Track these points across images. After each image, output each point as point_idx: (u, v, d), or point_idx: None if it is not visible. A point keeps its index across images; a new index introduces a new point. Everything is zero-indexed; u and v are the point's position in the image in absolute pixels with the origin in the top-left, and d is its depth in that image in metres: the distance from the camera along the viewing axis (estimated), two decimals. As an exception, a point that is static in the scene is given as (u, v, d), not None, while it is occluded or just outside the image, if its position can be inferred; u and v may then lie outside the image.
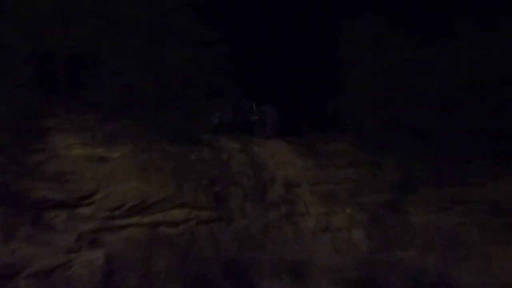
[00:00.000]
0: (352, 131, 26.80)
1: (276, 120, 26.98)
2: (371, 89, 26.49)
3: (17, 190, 20.44)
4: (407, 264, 24.15)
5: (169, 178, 22.23)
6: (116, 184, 21.46)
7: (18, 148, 21.08)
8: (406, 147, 26.01)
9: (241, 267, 22.14)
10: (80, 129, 22.19)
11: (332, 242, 24.12)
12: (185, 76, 24.20)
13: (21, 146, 21.15)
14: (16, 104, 21.23)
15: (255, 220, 23.62)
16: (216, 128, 25.86)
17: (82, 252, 20.49)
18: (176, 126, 23.50)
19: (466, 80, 26.79)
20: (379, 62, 26.72)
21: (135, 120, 23.01)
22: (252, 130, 27.13)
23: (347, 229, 24.49)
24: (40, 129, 21.81)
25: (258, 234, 23.37)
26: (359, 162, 25.77)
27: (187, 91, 24.31)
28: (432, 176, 25.69)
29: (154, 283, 20.80)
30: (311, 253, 23.64)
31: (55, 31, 23.41)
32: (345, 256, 23.90)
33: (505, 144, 26.04)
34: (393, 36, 26.95)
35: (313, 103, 27.93)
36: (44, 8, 23.66)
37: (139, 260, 21.00)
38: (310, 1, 31.18)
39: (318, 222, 24.35)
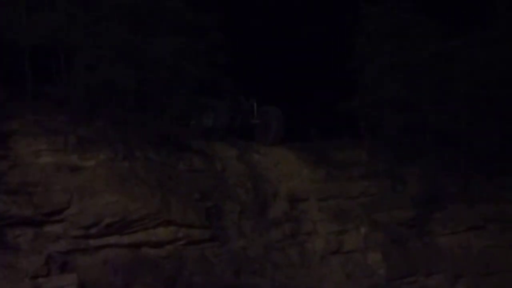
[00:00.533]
0: (369, 136, 27.05)
1: (281, 124, 27.03)
2: (390, 87, 26.63)
3: (-25, 203, 20.70)
4: (432, 292, 24.75)
5: (154, 191, 22.35)
6: (91, 198, 21.56)
7: None
8: (432, 155, 26.30)
9: (238, 296, 22.48)
10: (49, 133, 22.19)
11: (344, 267, 24.47)
12: (172, 70, 24.38)
13: None
14: None
15: (254, 240, 23.85)
16: (210, 132, 26.02)
17: (52, 277, 20.56)
18: (161, 129, 23.69)
19: (502, 78, 27.05)
20: (400, 56, 26.93)
21: (114, 123, 23.20)
22: (253, 135, 27.25)
23: (362, 252, 24.83)
24: (2, 133, 21.85)
25: (258, 257, 23.61)
26: (377, 173, 26.07)
27: (174, 88, 24.53)
28: (462, 190, 26.05)
29: (135, 314, 21.23)
30: (320, 279, 23.98)
31: (20, 17, 23.44)
32: (360, 283, 24.25)
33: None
34: (417, 25, 27.26)
35: (323, 104, 28.05)
36: (8, -10, 23.93)
37: (118, 286, 21.16)
38: (320, -18, 31.34)
39: (328, 243, 24.66)
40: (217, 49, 25.39)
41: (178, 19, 25.20)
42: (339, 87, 27.15)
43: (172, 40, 24.51)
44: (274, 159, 25.79)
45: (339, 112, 26.34)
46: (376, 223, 25.27)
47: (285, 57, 30.49)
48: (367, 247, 24.90)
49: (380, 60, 27.08)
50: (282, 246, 24.15)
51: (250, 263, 23.40)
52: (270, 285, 23.12)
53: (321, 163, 26.03)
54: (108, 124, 23.13)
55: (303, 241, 24.56)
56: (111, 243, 21.73)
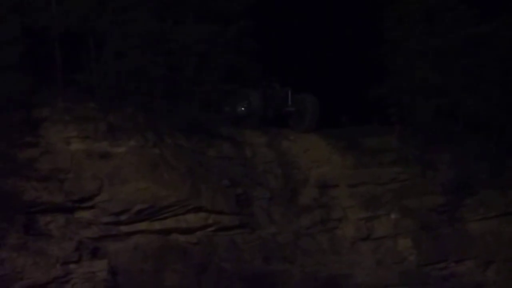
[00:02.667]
0: (400, 122, 26.97)
1: (316, 112, 26.99)
2: (422, 73, 26.61)
3: (7, 190, 20.99)
4: (463, 278, 24.84)
5: (184, 177, 22.65)
6: (121, 184, 21.93)
7: (8, 142, 21.57)
8: (464, 141, 26.34)
9: (268, 283, 22.74)
10: (80, 120, 22.50)
11: (375, 253, 24.72)
12: (201, 58, 24.63)
13: (11, 140, 21.62)
14: (4, 89, 21.64)
15: (284, 227, 24.13)
16: (243, 120, 26.18)
17: (83, 263, 21.00)
18: (191, 116, 23.97)
19: (536, 62, 27.09)
20: (430, 40, 26.79)
21: (143, 110, 23.50)
22: (287, 123, 27.30)
23: (392, 238, 25.04)
24: (33, 120, 22.20)
25: (288, 243, 23.88)
26: (407, 160, 26.09)
27: (203, 75, 24.77)
28: (494, 176, 26.02)
29: (165, 300, 21.58)
30: (350, 266, 24.22)
31: (50, 5, 23.59)
32: (390, 269, 24.49)
33: None
34: (448, 8, 27.05)
35: (354, 90, 27.90)
36: (37, -21, 24.20)
37: (148, 272, 21.65)
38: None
39: (358, 230, 24.91)
40: (246, 36, 25.57)
41: (207, 5, 25.39)
42: (369, 73, 27.19)
43: (201, 27, 24.73)
44: (304, 145, 25.94)
45: (370, 98, 26.32)
46: (406, 209, 25.39)
47: (316, 44, 30.46)
48: (398, 233, 25.08)
49: (410, 45, 26.97)
50: (312, 233, 24.41)
51: (280, 249, 23.68)
52: (300, 272, 23.36)
53: (351, 150, 26.17)
54: (138, 111, 23.41)
55: (333, 227, 24.81)
56: (141, 230, 22.14)
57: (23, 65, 21.91)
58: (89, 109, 22.97)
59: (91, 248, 21.34)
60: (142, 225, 22.18)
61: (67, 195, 21.56)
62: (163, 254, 22.00)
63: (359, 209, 25.17)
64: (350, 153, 26.07)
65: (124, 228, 22.00)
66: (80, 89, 23.32)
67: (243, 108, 26.38)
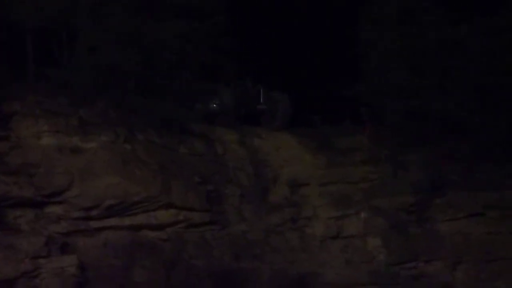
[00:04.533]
0: (372, 122, 27.26)
1: (288, 110, 27.42)
2: (394, 74, 26.84)
3: (-24, 185, 21.03)
4: (432, 279, 24.87)
5: (155, 173, 22.69)
6: (92, 180, 21.87)
7: None
8: (435, 142, 26.51)
9: (237, 280, 22.71)
10: (51, 115, 22.49)
11: (344, 252, 24.77)
12: (175, 54, 24.73)
13: None
14: None
15: (255, 224, 24.23)
16: (213, 116, 26.36)
17: (52, 258, 20.90)
18: (163, 112, 24.02)
19: (508, 65, 27.16)
20: (404, 42, 27.04)
21: (116, 105, 23.54)
22: (259, 121, 27.55)
23: (362, 237, 25.14)
24: (3, 114, 22.15)
25: (258, 241, 23.98)
26: (378, 159, 26.35)
27: (177, 72, 24.92)
28: (464, 177, 26.26)
29: (134, 297, 21.57)
30: (319, 264, 24.25)
31: None
32: (359, 269, 24.53)
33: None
34: (422, 11, 27.38)
35: (327, 90, 28.15)
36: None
37: (117, 269, 21.56)
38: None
39: (328, 228, 25.00)
40: (222, 33, 25.66)
41: (182, 2, 25.50)
42: (343, 73, 27.43)
43: (176, 24, 24.84)
44: (276, 144, 26.13)
45: (343, 98, 26.57)
46: (376, 209, 25.54)
47: (290, 43, 30.71)
48: (367, 233, 25.22)
49: (385, 46, 27.23)
50: (282, 231, 24.53)
51: (250, 247, 23.76)
52: (270, 269, 23.40)
53: (323, 149, 26.35)
54: (110, 106, 23.45)
55: (303, 225, 24.93)
56: (111, 225, 22.11)
57: None
58: (60, 104, 22.95)
59: (61, 243, 21.28)
60: (112, 221, 22.15)
61: (37, 190, 21.49)
62: (133, 250, 21.96)
63: (329, 208, 25.30)
64: (321, 152, 26.27)
65: (94, 224, 21.95)
66: (52, 84, 23.34)
67: (215, 106, 26.62)
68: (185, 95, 25.14)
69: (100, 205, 21.93)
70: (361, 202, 25.61)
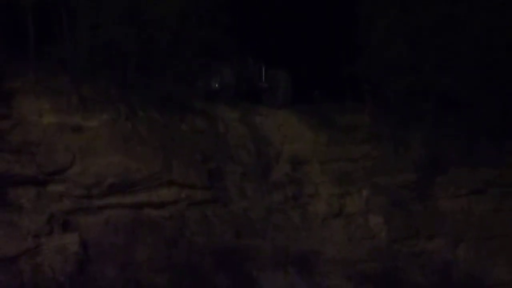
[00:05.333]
0: (372, 100, 27.39)
1: (289, 88, 27.50)
2: (395, 51, 26.87)
3: (-24, 163, 21.12)
4: (433, 256, 25.23)
5: (156, 151, 22.80)
6: (93, 158, 21.95)
7: None
8: (435, 119, 26.72)
9: (239, 257, 22.91)
10: (52, 92, 22.46)
11: (346, 229, 25.03)
12: (174, 31, 24.68)
13: None
14: None
15: (256, 202, 24.38)
16: (214, 94, 26.35)
17: (54, 236, 21.02)
18: (164, 90, 24.05)
19: (508, 42, 27.23)
20: (404, 19, 27.06)
21: (116, 83, 23.53)
22: (260, 98, 27.62)
23: (363, 214, 25.41)
24: (4, 92, 22.09)
25: (259, 219, 24.16)
26: (379, 137, 26.48)
27: (177, 49, 24.82)
28: (465, 154, 26.40)
29: (136, 274, 21.55)
30: (321, 241, 24.48)
31: None
32: (360, 246, 24.81)
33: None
34: None
35: (328, 66, 28.19)
36: None
37: (119, 246, 21.67)
38: None
39: (330, 206, 25.21)
40: (221, 10, 25.53)
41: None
42: (343, 49, 27.44)
43: (175, 1, 24.69)
44: (277, 121, 26.22)
45: (343, 75, 26.62)
46: (378, 186, 25.78)
47: (290, 19, 30.55)
48: (369, 210, 25.46)
49: (385, 23, 27.22)
50: (284, 208, 24.71)
51: (252, 224, 23.96)
52: (271, 247, 23.58)
53: (324, 126, 26.45)
54: (111, 84, 23.44)
55: (305, 203, 25.12)
56: (113, 203, 22.21)
57: None
58: (61, 82, 22.85)
59: (63, 221, 21.39)
60: (114, 199, 22.23)
61: (39, 168, 21.55)
62: (135, 228, 22.09)
63: (331, 185, 25.48)
64: (322, 130, 26.35)
65: (96, 202, 22.03)
66: (53, 62, 23.21)
67: (216, 83, 26.58)
68: (186, 73, 25.02)
69: (102, 183, 21.98)
70: (363, 180, 25.82)
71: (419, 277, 24.67)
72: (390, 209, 25.46)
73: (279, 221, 24.38)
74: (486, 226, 25.77)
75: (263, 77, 27.66)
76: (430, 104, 26.88)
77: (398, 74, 26.83)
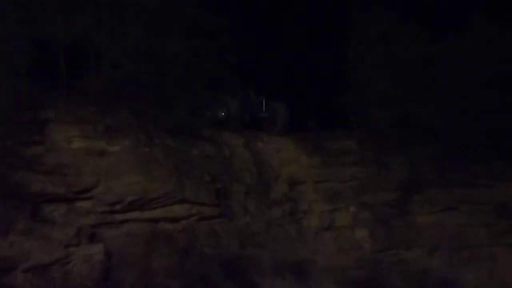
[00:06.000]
0: (360, 128, 27.56)
1: (287, 118, 27.66)
2: (380, 86, 27.16)
3: (16, 182, 21.43)
4: (411, 264, 25.44)
5: (170, 173, 23.17)
6: (116, 178, 22.41)
7: (17, 140, 22.03)
8: (415, 145, 26.81)
9: (243, 266, 23.26)
10: (80, 121, 22.99)
11: (335, 241, 25.31)
12: (187, 68, 25.03)
13: (20, 138, 22.07)
14: (14, 94, 22.06)
15: (258, 217, 24.72)
16: (221, 123, 26.60)
17: (81, 246, 21.50)
18: (177, 119, 24.40)
19: (479, 77, 27.73)
20: (388, 58, 27.42)
21: (135, 113, 23.97)
22: (261, 127, 27.77)
23: (351, 228, 25.66)
24: (39, 121, 22.63)
25: (260, 232, 24.49)
26: (365, 161, 26.69)
27: (189, 83, 25.15)
28: (440, 176, 26.61)
29: (153, 280, 21.94)
30: (314, 251, 24.80)
31: (55, 19, 24.16)
32: (348, 255, 25.06)
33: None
34: (404, 30, 27.71)
35: (321, 99, 28.45)
36: (45, -5, 24.41)
37: (138, 256, 22.10)
38: (319, -6, 31.79)
39: (322, 221, 25.52)
40: (227, 50, 25.89)
41: (193, 22, 25.79)
42: (334, 85, 27.70)
43: (187, 41, 25.15)
44: (276, 147, 26.48)
45: (334, 107, 26.89)
46: (363, 204, 26.03)
47: (288, 59, 31.05)
48: (355, 224, 25.70)
49: (370, 61, 27.53)
50: (282, 223, 24.98)
51: (254, 237, 24.28)
52: (271, 257, 23.86)
53: (317, 151, 26.69)
54: (131, 114, 23.90)
55: (300, 218, 25.40)
56: (133, 218, 22.66)
57: (31, 72, 22.22)
58: (88, 112, 23.37)
59: (89, 233, 21.84)
60: (134, 214, 22.62)
61: (69, 187, 21.98)
62: (152, 239, 22.45)
63: (323, 202, 25.74)
64: (316, 154, 26.59)
65: (118, 217, 22.44)
66: (81, 94, 23.73)
67: (223, 113, 26.95)
68: (195, 104, 25.29)
69: (123, 201, 22.42)
70: (351, 198, 26.04)
71: (399, 283, 24.84)
72: (374, 224, 25.67)
73: (277, 233, 24.63)
74: (458, 238, 25.94)
75: (264, 108, 27.90)
76: (410, 132, 26.89)
77: (383, 106, 26.94)
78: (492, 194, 26.74)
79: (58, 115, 22.99)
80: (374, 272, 24.78)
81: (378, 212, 25.97)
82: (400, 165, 26.72)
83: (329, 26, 29.99)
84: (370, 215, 25.85)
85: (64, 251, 21.27)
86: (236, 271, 23.03)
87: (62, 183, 21.98)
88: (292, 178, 25.88)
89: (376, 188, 26.33)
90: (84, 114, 23.33)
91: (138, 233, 22.51)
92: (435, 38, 27.64)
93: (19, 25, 23.07)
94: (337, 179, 26.41)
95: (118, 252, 21.93)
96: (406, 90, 27.26)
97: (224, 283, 22.75)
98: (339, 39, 27.76)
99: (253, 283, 23.27)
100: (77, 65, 24.56)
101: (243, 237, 24.02)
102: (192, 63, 25.18)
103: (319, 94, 28.99)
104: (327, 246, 25.09)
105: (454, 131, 27.18)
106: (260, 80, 28.13)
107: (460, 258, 25.86)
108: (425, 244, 25.89)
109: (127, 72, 24.07)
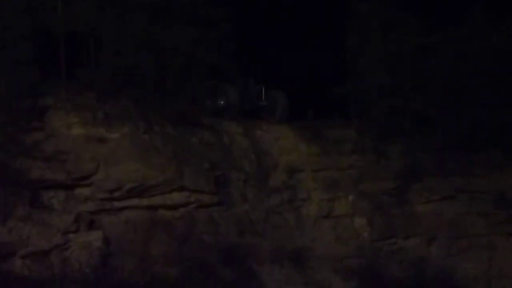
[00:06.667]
0: (358, 117, 27.32)
1: (286, 106, 27.45)
2: (378, 75, 26.95)
3: (15, 169, 21.19)
4: (409, 252, 25.13)
5: (170, 160, 22.89)
6: (115, 165, 22.13)
7: (17, 126, 21.79)
8: (413, 135, 26.65)
9: (241, 253, 22.92)
10: (80, 108, 22.72)
11: (334, 229, 24.97)
12: (187, 57, 24.77)
13: (20, 125, 21.83)
14: (14, 81, 21.89)
15: (256, 205, 24.39)
16: (221, 111, 26.32)
17: (80, 233, 21.28)
18: (177, 108, 24.12)
19: (475, 69, 27.43)
20: (386, 48, 27.19)
21: (136, 101, 23.65)
22: (260, 115, 27.52)
23: (349, 216, 25.32)
24: (39, 108, 22.39)
25: (259, 219, 24.18)
26: (364, 149, 26.35)
27: (188, 72, 24.93)
28: (438, 165, 26.29)
29: (152, 267, 21.63)
30: (312, 240, 24.48)
31: (57, 8, 23.89)
32: (347, 244, 24.78)
33: (513, 135, 26.84)
34: (401, 21, 27.41)
35: (320, 88, 28.00)
36: (46, -16, 24.21)
37: (137, 243, 21.83)
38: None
39: (320, 209, 25.17)
40: (227, 39, 25.61)
41: (192, 12, 25.48)
42: (333, 74, 27.52)
43: (187, 31, 24.84)
44: (275, 135, 26.11)
45: (333, 96, 26.65)
46: (362, 192, 25.69)
47: (287, 48, 30.67)
48: (354, 213, 25.37)
49: (369, 52, 27.27)
50: (280, 211, 24.66)
51: (252, 225, 23.97)
52: (270, 245, 23.59)
53: (316, 140, 26.35)
54: (131, 102, 23.56)
55: (299, 206, 25.05)
56: (132, 205, 22.36)
57: (32, 60, 22.06)
58: (88, 99, 23.13)
59: (88, 220, 21.62)
60: (133, 202, 22.37)
61: (68, 174, 21.74)
62: (151, 227, 22.21)
63: (321, 191, 25.39)
64: (314, 143, 26.25)
65: (117, 204, 22.20)
66: (81, 82, 23.45)
67: (222, 102, 26.54)
68: (196, 93, 25.12)
69: (122, 188, 22.15)
70: (349, 187, 25.71)
71: (397, 271, 24.56)
72: (372, 212, 25.40)
73: (276, 222, 24.37)
74: (456, 227, 25.68)
75: (263, 97, 27.61)
76: (408, 121, 26.80)
77: (380, 95, 26.86)
78: (490, 183, 26.37)
79: (58, 102, 22.76)
80: (372, 260, 24.52)
81: (376, 200, 25.68)
82: (398, 154, 26.47)
83: (329, 16, 29.73)
84: (368, 203, 25.54)
85: (62, 238, 21.07)
86: (235, 259, 22.73)
87: (62, 169, 21.76)
88: (291, 166, 25.55)
89: (375, 177, 26.06)
90: (83, 101, 23.07)
91: (137, 220, 22.27)
92: (433, 30, 27.27)
93: (20, 13, 22.82)
94: (336, 168, 26.10)
95: (117, 239, 21.71)
96: (405, 80, 27.17)
97: (222, 270, 22.48)
98: (338, 29, 27.47)
99: (252, 271, 23.01)
100: (77, 53, 24.32)
101: (241, 224, 23.76)
102: (192, 52, 24.95)
103: (318, 83, 28.58)
104: (326, 234, 24.80)
105: (452, 121, 27.03)
106: (260, 69, 27.83)
107: (459, 247, 25.57)
108: (424, 233, 25.64)
109: (127, 61, 23.83)
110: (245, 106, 27.09)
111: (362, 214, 25.29)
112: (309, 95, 28.27)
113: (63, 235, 21.00)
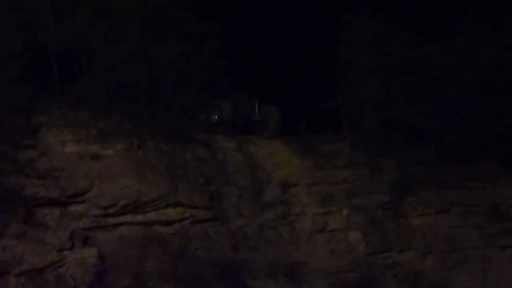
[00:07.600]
0: (351, 131, 27.32)
1: (279, 121, 27.37)
2: (370, 88, 26.94)
3: (9, 186, 21.31)
4: (404, 266, 25.17)
5: (164, 176, 22.99)
6: (109, 182, 22.25)
7: (10, 144, 21.90)
8: (406, 148, 26.60)
9: (236, 268, 22.99)
10: (73, 126, 22.89)
11: (328, 243, 25.00)
12: (179, 71, 24.87)
13: (13, 142, 21.95)
14: (7, 98, 21.92)
15: (251, 220, 24.44)
16: (214, 127, 26.40)
17: (75, 250, 21.38)
18: (170, 123, 24.18)
19: (468, 80, 27.59)
20: (379, 61, 27.20)
21: (129, 117, 23.79)
22: (254, 130, 27.50)
23: (344, 230, 25.34)
24: (32, 125, 22.53)
25: (253, 234, 24.22)
26: (357, 163, 26.38)
27: (181, 87, 24.97)
28: (431, 178, 26.36)
29: (147, 283, 21.75)
30: (307, 254, 24.51)
31: (48, 24, 24.14)
32: (341, 258, 24.79)
33: (507, 147, 26.91)
34: (394, 33, 27.50)
35: (312, 102, 28.15)
36: (38, 0, 24.32)
37: (132, 259, 21.91)
38: (311, -2, 31.68)
39: (315, 223, 25.19)
40: (219, 54, 25.77)
41: (184, 26, 25.63)
42: (325, 88, 27.49)
43: (179, 45, 24.98)
44: (269, 150, 26.19)
45: (325, 110, 26.69)
46: (356, 206, 25.71)
47: (279, 62, 30.85)
48: (348, 227, 25.38)
49: (361, 65, 27.27)
50: (275, 225, 24.70)
51: (247, 240, 24.01)
52: (264, 259, 23.63)
53: (309, 154, 26.41)
54: (124, 118, 23.70)
55: (293, 221, 25.09)
56: (126, 221, 22.47)
57: (24, 76, 22.14)
58: (81, 116, 23.28)
59: (83, 237, 21.71)
60: (127, 218, 22.48)
61: (62, 191, 21.90)
62: (145, 243, 22.28)
63: (315, 205, 25.43)
64: (308, 157, 26.30)
65: (111, 220, 22.30)
66: (74, 99, 23.59)
67: (215, 117, 26.66)
68: (189, 108, 25.08)
69: (117, 204, 22.27)
70: (343, 201, 25.72)
71: (392, 285, 24.65)
72: (367, 226, 25.43)
73: (270, 236, 24.39)
74: (451, 240, 25.72)
75: (257, 112, 27.55)
76: (401, 134, 26.76)
77: (372, 109, 26.79)
78: (484, 196, 26.51)
79: (51, 120, 22.90)
80: (367, 274, 24.57)
81: (371, 214, 25.72)
82: (392, 168, 26.49)
83: (321, 29, 29.72)
84: (363, 217, 25.59)
85: (57, 255, 21.15)
86: (229, 274, 22.79)
87: (56, 187, 21.89)
88: (284, 181, 25.63)
89: (369, 191, 26.08)
90: (77, 118, 23.23)
91: (132, 236, 22.34)
92: (425, 42, 27.45)
93: (12, 29, 23.06)
94: (330, 182, 26.14)
95: (112, 255, 21.76)
96: (397, 93, 27.13)
97: (217, 285, 22.56)
98: (330, 42, 27.47)
99: (247, 285, 23.07)
100: (70, 70, 24.45)
101: (236, 239, 23.79)
102: (184, 67, 25.03)
103: (310, 97, 28.71)
104: (320, 248, 24.83)
105: (444, 133, 27.07)
106: (252, 84, 27.81)
107: (453, 260, 25.60)
108: (418, 246, 25.68)
109: (119, 76, 23.92)
110: (238, 121, 27.11)
111: (357, 228, 25.30)
112: (302, 109, 28.31)
113: (58, 252, 21.06)
